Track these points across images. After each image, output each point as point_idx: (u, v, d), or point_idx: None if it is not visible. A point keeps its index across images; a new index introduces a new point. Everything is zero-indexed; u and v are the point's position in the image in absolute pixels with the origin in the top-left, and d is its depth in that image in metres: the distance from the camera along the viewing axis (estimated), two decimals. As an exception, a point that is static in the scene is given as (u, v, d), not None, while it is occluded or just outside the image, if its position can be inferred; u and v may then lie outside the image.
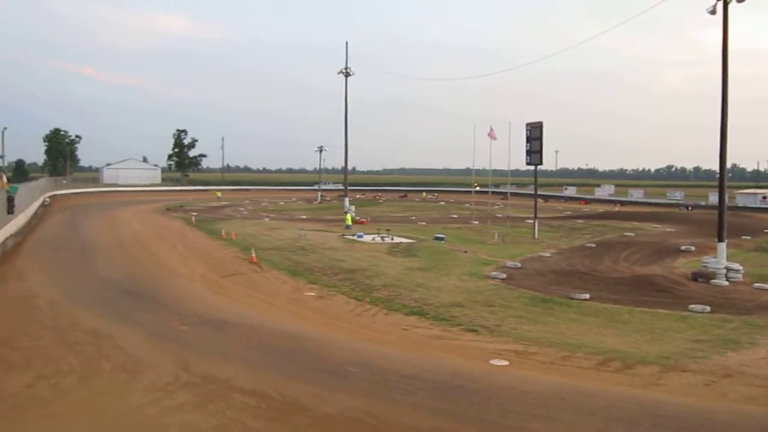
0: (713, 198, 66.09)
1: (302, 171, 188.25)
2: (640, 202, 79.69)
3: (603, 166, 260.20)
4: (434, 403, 10.44)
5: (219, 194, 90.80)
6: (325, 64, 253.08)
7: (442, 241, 35.74)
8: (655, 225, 48.11)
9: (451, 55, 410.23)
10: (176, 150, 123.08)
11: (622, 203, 79.06)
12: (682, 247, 33.13)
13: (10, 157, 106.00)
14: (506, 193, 67.47)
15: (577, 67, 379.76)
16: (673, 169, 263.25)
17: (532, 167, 42.07)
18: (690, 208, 72.47)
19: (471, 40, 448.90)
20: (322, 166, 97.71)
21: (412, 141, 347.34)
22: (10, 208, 32.66)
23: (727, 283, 23.31)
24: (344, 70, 61.01)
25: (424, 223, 48.91)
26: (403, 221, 51.22)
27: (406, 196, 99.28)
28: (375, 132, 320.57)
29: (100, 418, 9.73)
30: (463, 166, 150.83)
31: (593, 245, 34.53)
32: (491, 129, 51.57)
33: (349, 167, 68.04)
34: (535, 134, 39.85)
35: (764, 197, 72.21)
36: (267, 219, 52.67)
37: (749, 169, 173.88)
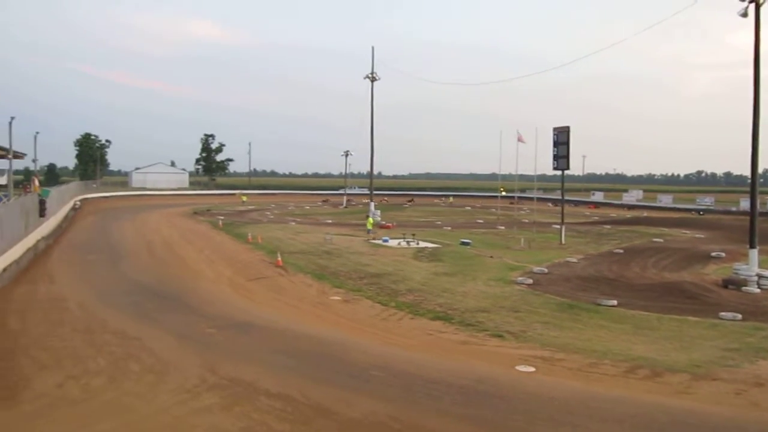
0: (744, 204, 64.95)
1: (328, 175, 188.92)
2: (668, 208, 78.61)
3: (631, 171, 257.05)
4: (459, 408, 10.40)
5: (244, 198, 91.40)
6: (352, 69, 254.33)
7: (468, 246, 35.59)
8: (684, 231, 47.37)
9: (477, 58, 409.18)
10: (204, 154, 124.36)
11: (651, 208, 78.06)
12: (713, 254, 32.57)
13: (43, 161, 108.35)
14: (514, 197, 66.91)
15: (605, 70, 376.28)
16: (703, 174, 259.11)
17: (558, 172, 41.75)
18: (702, 213, 71.74)
19: (498, 42, 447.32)
20: (347, 171, 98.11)
21: (438, 145, 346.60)
22: (42, 211, 33.29)
23: (759, 290, 22.85)
24: (370, 75, 61.15)
25: (449, 228, 48.75)
26: (428, 226, 51.09)
27: (412, 200, 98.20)
28: (401, 136, 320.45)
29: (128, 419, 9.84)
30: (488, 171, 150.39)
31: (621, 251, 34.11)
32: (519, 134, 51.40)
33: (375, 172, 68.20)
34: (562, 139, 39.54)
35: None
36: (293, 223, 52.91)
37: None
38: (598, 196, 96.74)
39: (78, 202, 62.61)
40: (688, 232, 46.67)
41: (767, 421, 10.37)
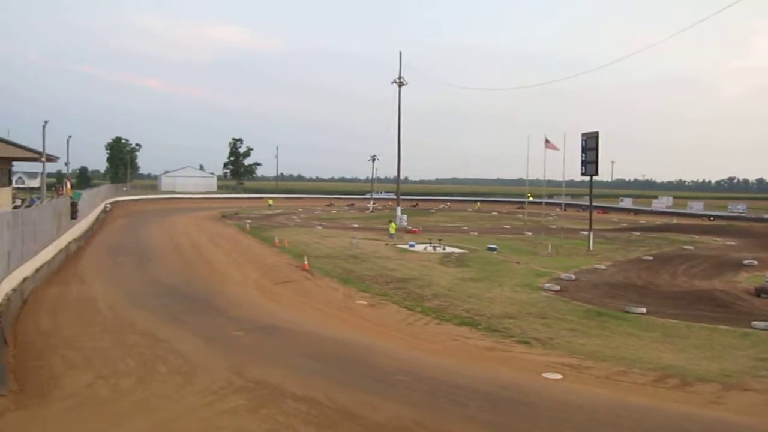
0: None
1: (354, 180, 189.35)
2: (699, 215, 77.27)
3: (661, 177, 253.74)
4: (485, 415, 10.33)
5: (270, 202, 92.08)
6: (378, 74, 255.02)
7: (495, 252, 35.43)
8: (715, 238, 46.59)
9: (506, 62, 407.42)
10: (232, 158, 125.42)
11: (681, 215, 76.84)
12: (745, 262, 32.00)
13: (74, 164, 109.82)
14: (524, 202, 66.38)
15: (635, 75, 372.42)
16: (735, 180, 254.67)
17: (586, 178, 41.39)
18: (712, 218, 70.72)
19: (528, 46, 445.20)
20: (374, 176, 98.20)
21: (465, 151, 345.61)
22: (74, 214, 33.85)
23: (792, 299, 22.40)
24: (398, 80, 61.21)
25: (476, 234, 48.57)
26: (455, 231, 50.97)
27: (416, 205, 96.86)
28: (428, 142, 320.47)
29: (156, 420, 9.93)
30: (516, 176, 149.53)
31: (650, 258, 33.68)
32: (547, 141, 51.02)
33: (402, 177, 68.16)
34: (590, 144, 39.25)
35: None
36: (319, 227, 53.12)
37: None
38: (627, 203, 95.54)
39: (108, 205, 63.51)
40: (719, 239, 45.91)
41: (801, 434, 10.14)
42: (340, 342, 15.66)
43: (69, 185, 43.43)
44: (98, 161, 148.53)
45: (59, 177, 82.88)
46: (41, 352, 13.88)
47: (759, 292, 23.22)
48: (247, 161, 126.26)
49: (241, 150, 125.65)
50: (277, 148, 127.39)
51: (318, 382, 11.83)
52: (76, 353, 13.86)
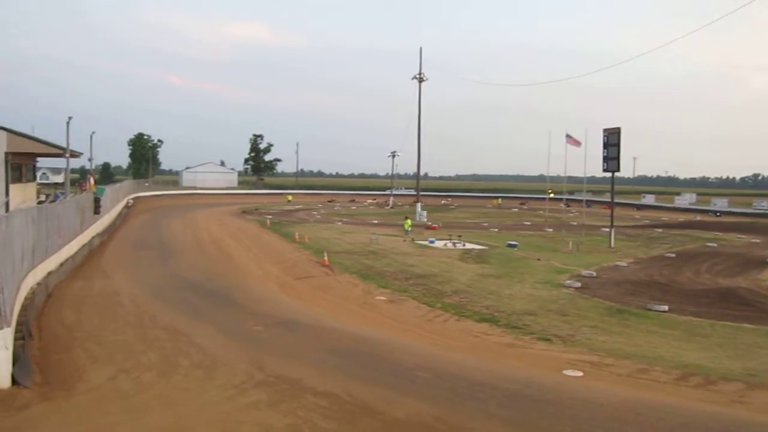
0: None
1: (374, 176, 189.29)
2: (723, 212, 76.24)
3: (684, 173, 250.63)
4: (505, 411, 10.29)
5: (290, 198, 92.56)
6: (399, 70, 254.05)
7: (515, 249, 35.27)
8: (739, 236, 45.97)
9: (529, 56, 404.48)
10: (252, 154, 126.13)
11: (705, 212, 75.90)
12: (769, 259, 31.57)
13: (98, 160, 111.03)
14: (526, 198, 65.94)
15: (658, 71, 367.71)
16: (760, 177, 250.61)
17: (608, 174, 41.02)
18: (718, 214, 69.77)
19: (548, 40, 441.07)
20: (394, 172, 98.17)
21: (484, 146, 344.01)
22: (97, 209, 34.26)
23: (818, 298, 22.05)
24: (418, 76, 61.15)
25: (496, 230, 48.39)
26: (475, 227, 50.81)
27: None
28: (447, 137, 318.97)
29: (177, 413, 10.03)
30: (536, 172, 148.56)
31: (673, 255, 33.33)
32: (569, 136, 50.61)
33: (421, 173, 68.07)
34: (612, 140, 38.85)
35: None
36: (339, 223, 53.25)
37: None
38: (649, 199, 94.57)
39: (131, 200, 64.21)
40: (743, 236, 45.30)
41: (827, 434, 9.98)
42: (359, 337, 15.69)
43: (92, 181, 44.01)
44: (121, 157, 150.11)
45: (83, 173, 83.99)
46: (65, 346, 14.07)
47: (784, 291, 22.89)
48: (268, 157, 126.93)
49: (262, 146, 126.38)
50: (297, 144, 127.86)
51: (338, 378, 11.86)
52: (99, 347, 14.03)
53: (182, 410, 10.14)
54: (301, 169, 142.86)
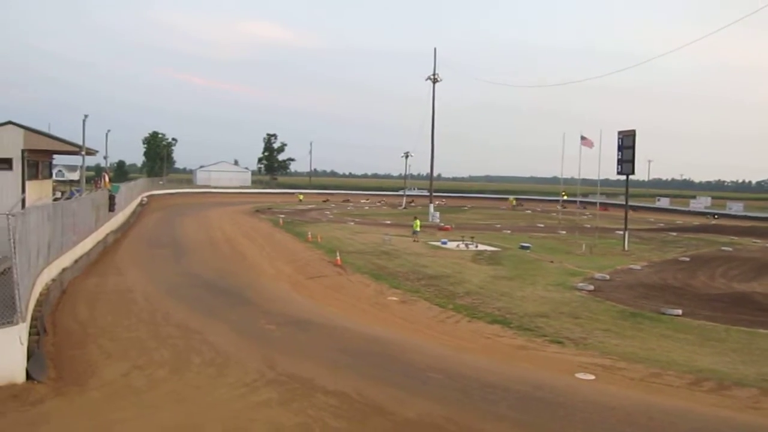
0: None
1: (387, 176, 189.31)
2: (739, 216, 75.48)
3: (699, 177, 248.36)
4: (516, 414, 10.26)
5: (301, 197, 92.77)
6: (413, 71, 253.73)
7: (528, 250, 35.13)
8: (755, 240, 45.54)
9: (542, 57, 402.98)
10: (266, 153, 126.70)
11: (721, 216, 75.20)
12: (786, 264, 31.24)
13: (113, 158, 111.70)
14: (522, 199, 65.57)
15: (675, 71, 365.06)
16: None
17: (622, 177, 40.79)
18: (716, 216, 69.28)
19: (562, 41, 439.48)
20: (407, 172, 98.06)
21: (498, 148, 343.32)
22: (111, 206, 34.51)
23: (835, 304, 21.79)
24: (432, 77, 61.09)
25: (509, 232, 48.23)
26: (487, 229, 50.65)
27: (413, 201, 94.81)
28: (461, 138, 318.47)
29: (188, 410, 10.09)
30: (550, 174, 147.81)
31: (687, 259, 33.06)
32: (583, 138, 50.33)
33: (434, 173, 68.01)
34: (627, 143, 38.65)
35: None
36: (352, 223, 53.28)
37: None
38: (664, 203, 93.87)
39: (145, 198, 64.57)
40: (759, 241, 44.87)
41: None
42: (371, 337, 15.69)
43: (107, 178, 44.31)
44: (136, 156, 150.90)
45: (98, 170, 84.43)
46: (79, 341, 14.19)
47: (800, 296, 22.63)
48: (281, 156, 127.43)
49: (275, 145, 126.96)
50: (310, 144, 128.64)
51: (349, 377, 11.88)
52: (113, 343, 14.14)
53: (194, 407, 10.20)
54: (315, 169, 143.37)
